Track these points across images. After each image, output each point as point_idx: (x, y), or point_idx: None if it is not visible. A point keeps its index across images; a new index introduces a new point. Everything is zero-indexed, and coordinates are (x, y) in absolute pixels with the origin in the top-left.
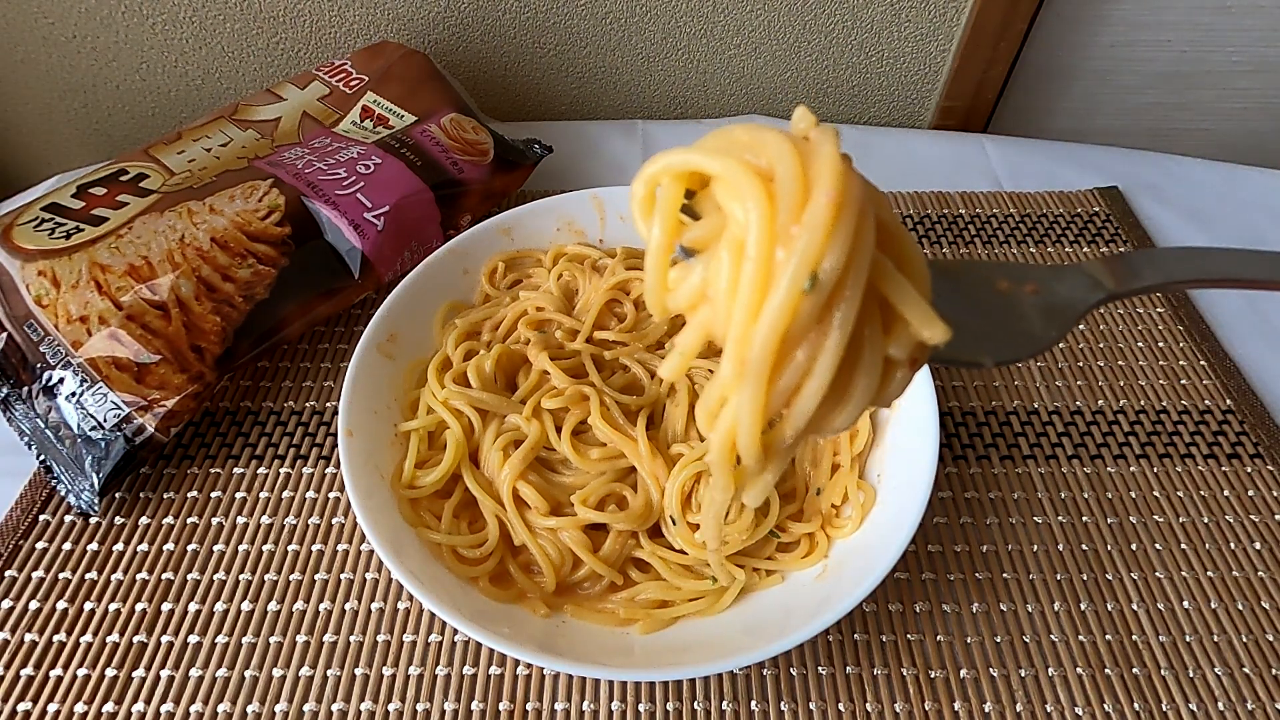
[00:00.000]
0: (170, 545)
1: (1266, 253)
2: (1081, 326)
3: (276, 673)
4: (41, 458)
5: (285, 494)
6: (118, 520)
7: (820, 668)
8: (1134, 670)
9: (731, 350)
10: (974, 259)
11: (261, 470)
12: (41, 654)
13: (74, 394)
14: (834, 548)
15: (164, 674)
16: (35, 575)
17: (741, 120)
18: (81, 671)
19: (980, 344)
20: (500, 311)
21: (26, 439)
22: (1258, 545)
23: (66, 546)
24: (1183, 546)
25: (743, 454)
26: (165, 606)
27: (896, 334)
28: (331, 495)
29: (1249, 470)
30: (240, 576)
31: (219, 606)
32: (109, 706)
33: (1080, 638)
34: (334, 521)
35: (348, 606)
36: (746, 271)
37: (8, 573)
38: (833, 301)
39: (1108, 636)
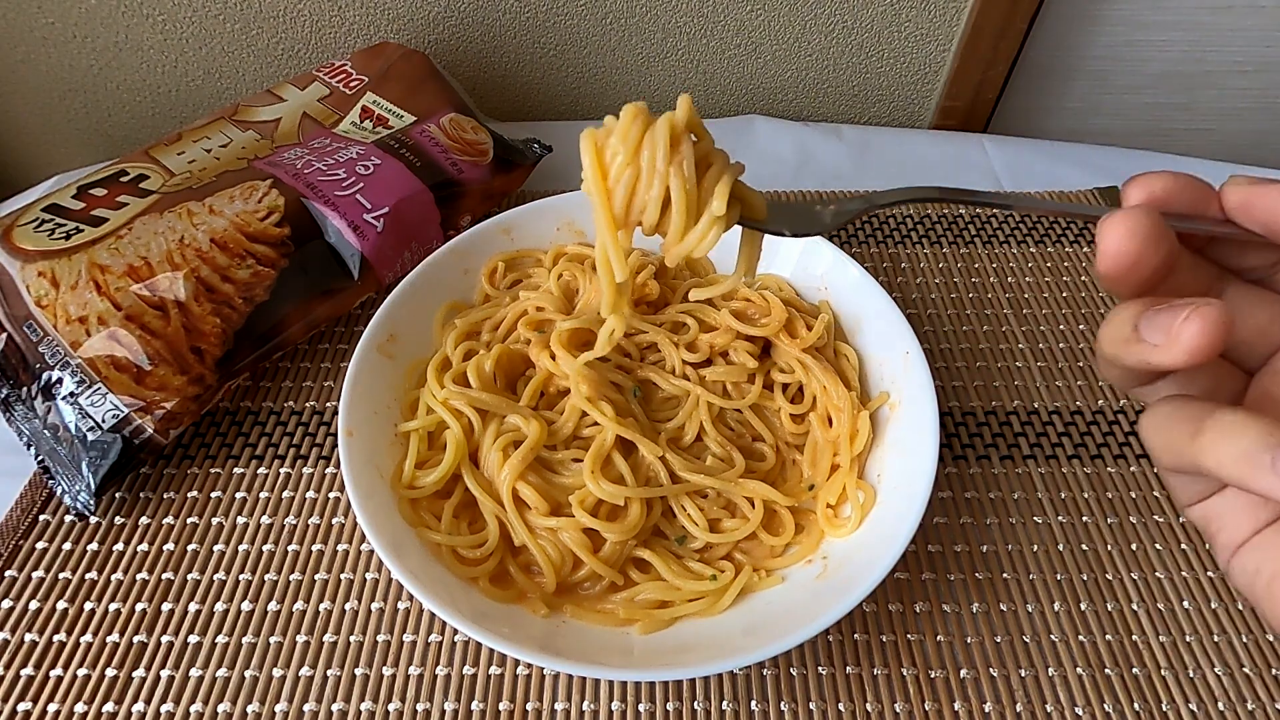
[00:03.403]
0: (170, 545)
1: (970, 191)
2: (1082, 326)
3: (276, 673)
4: (40, 458)
5: (285, 494)
6: (118, 520)
7: (820, 668)
8: (1134, 670)
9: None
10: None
11: (261, 470)
12: (41, 654)
13: (72, 395)
14: (834, 548)
15: (164, 674)
16: (35, 575)
17: (741, 120)
18: (81, 671)
19: (785, 224)
20: (500, 311)
21: (26, 439)
22: None
23: (66, 546)
24: (1183, 546)
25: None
26: (165, 606)
27: (709, 203)
28: (331, 495)
29: None
30: (240, 576)
31: (219, 606)
32: (109, 706)
33: (1080, 638)
34: (334, 521)
35: (348, 606)
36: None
37: (8, 573)
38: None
39: (1108, 636)
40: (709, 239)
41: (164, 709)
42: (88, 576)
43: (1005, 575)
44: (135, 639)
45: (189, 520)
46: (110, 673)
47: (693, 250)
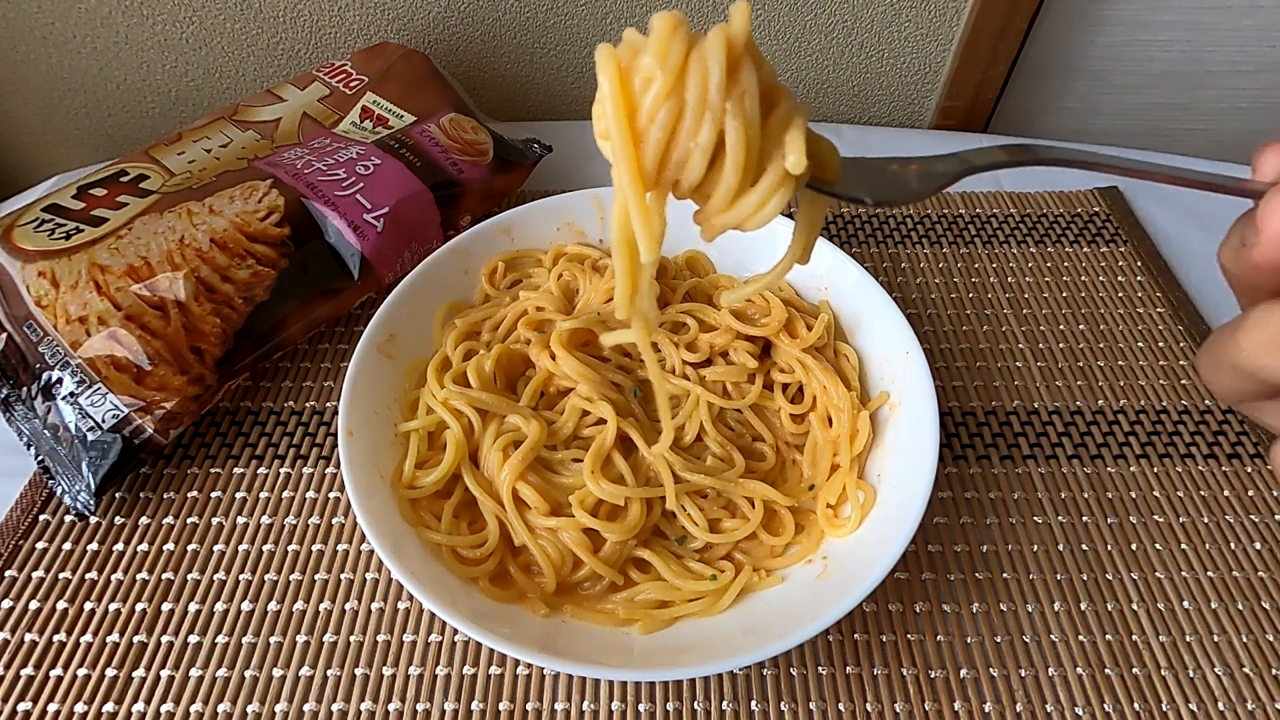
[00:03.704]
0: (170, 545)
1: (1084, 149)
2: (1082, 326)
3: (276, 673)
4: (40, 458)
5: (285, 494)
6: (118, 520)
7: (820, 668)
8: (1134, 670)
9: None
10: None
11: (261, 470)
12: (41, 654)
13: (72, 395)
14: (834, 547)
15: (164, 674)
16: (35, 575)
17: None
18: (81, 671)
19: (865, 190)
20: (500, 311)
21: (26, 439)
22: (1258, 545)
23: (66, 546)
24: (1183, 546)
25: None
26: (165, 606)
27: (773, 157)
28: (331, 495)
29: (1249, 470)
30: (240, 576)
31: (219, 606)
32: (109, 706)
33: (1080, 638)
34: (334, 521)
35: (348, 606)
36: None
37: (8, 573)
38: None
39: (1108, 636)
40: (770, 206)
41: (164, 709)
42: (88, 576)
43: (1005, 575)
44: (135, 639)
45: (189, 520)
46: (110, 673)
47: (745, 222)
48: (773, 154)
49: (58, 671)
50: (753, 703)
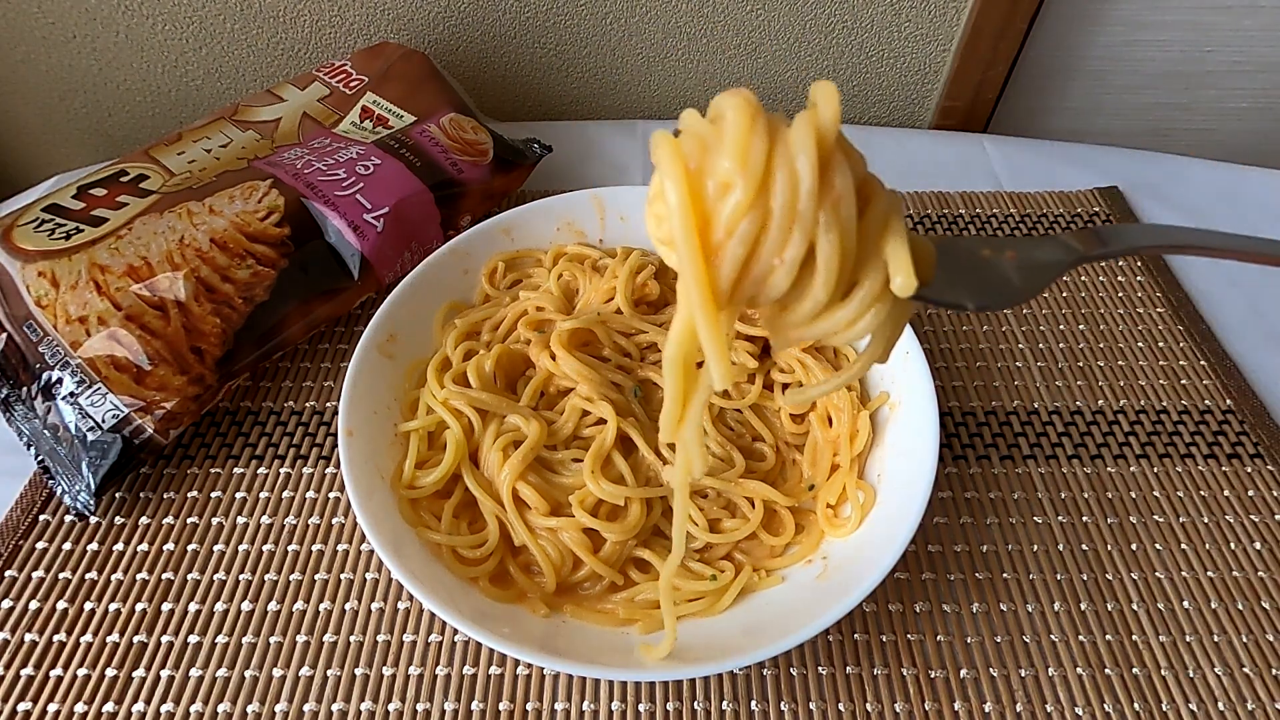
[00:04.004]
0: (170, 545)
1: (1212, 231)
2: (1082, 326)
3: (276, 673)
4: (40, 458)
5: (285, 494)
6: (118, 520)
7: (820, 668)
8: (1134, 670)
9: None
10: (960, 236)
11: (261, 470)
12: (41, 654)
13: (72, 395)
14: (834, 547)
15: (164, 674)
16: (35, 575)
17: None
18: (81, 671)
19: (964, 292)
20: (500, 311)
21: (26, 439)
22: (1258, 545)
23: (66, 546)
24: (1183, 546)
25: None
26: (165, 606)
27: (867, 267)
28: (331, 495)
29: (1249, 470)
30: (240, 576)
31: (219, 606)
32: (109, 706)
33: (1080, 638)
34: (334, 521)
35: (348, 606)
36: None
37: (8, 573)
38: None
39: (1108, 636)
40: (864, 323)
41: (164, 709)
42: (88, 576)
43: (1005, 575)
44: (135, 639)
45: (189, 520)
46: (110, 673)
47: (832, 337)
48: (868, 262)
49: (58, 671)
50: (753, 703)
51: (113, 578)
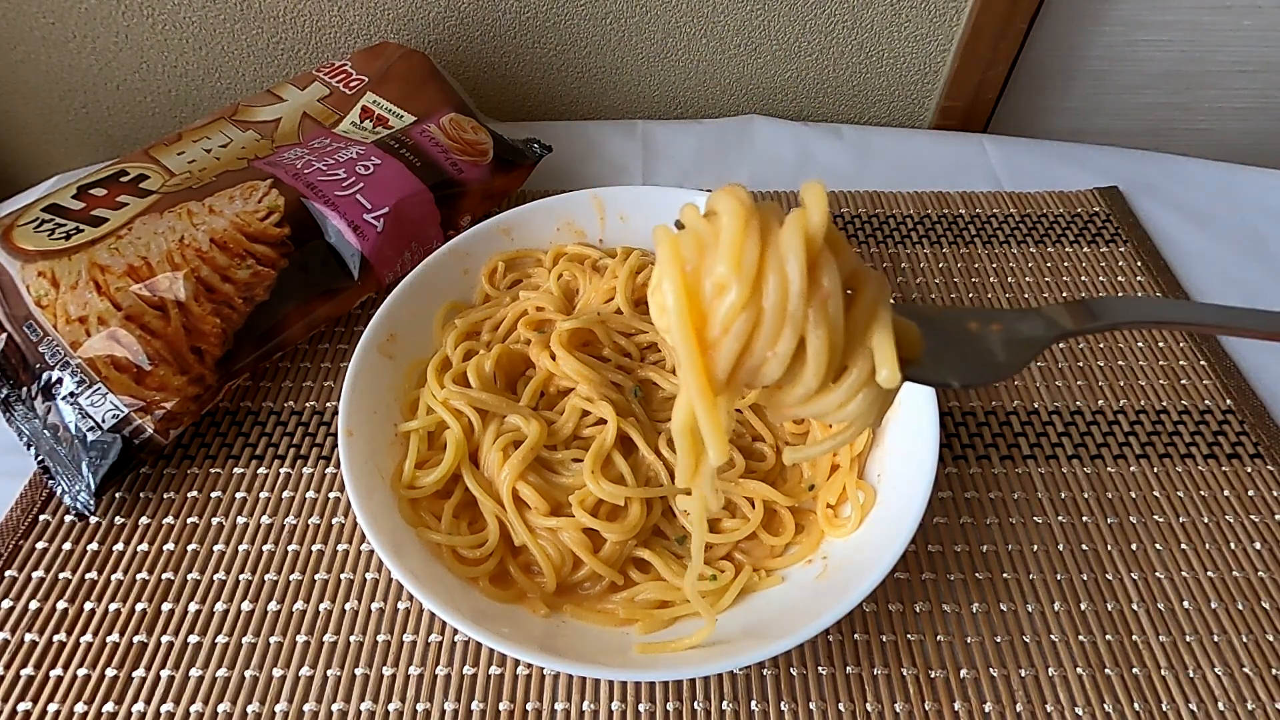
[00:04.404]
0: (170, 545)
1: (1200, 304)
2: None
3: (276, 673)
4: (40, 458)
5: (285, 494)
6: (118, 520)
7: (820, 668)
8: (1134, 670)
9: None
10: (948, 305)
11: (261, 470)
12: (41, 654)
13: (72, 395)
14: (834, 547)
15: (164, 674)
16: (35, 575)
17: (741, 120)
18: (81, 671)
19: (949, 370)
20: (500, 311)
21: (26, 439)
22: (1258, 545)
23: (66, 546)
24: (1183, 546)
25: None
26: (165, 606)
27: (856, 355)
28: (331, 495)
29: (1249, 470)
30: (240, 576)
31: (219, 606)
32: (109, 706)
33: (1080, 638)
34: (334, 521)
35: (348, 606)
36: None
37: (8, 573)
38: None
39: (1108, 636)
40: (854, 405)
41: (164, 709)
42: (88, 576)
43: (1005, 575)
44: (135, 639)
45: (189, 520)
46: (110, 673)
47: (826, 417)
48: (856, 350)
49: (58, 671)
50: (753, 703)
51: (113, 578)
